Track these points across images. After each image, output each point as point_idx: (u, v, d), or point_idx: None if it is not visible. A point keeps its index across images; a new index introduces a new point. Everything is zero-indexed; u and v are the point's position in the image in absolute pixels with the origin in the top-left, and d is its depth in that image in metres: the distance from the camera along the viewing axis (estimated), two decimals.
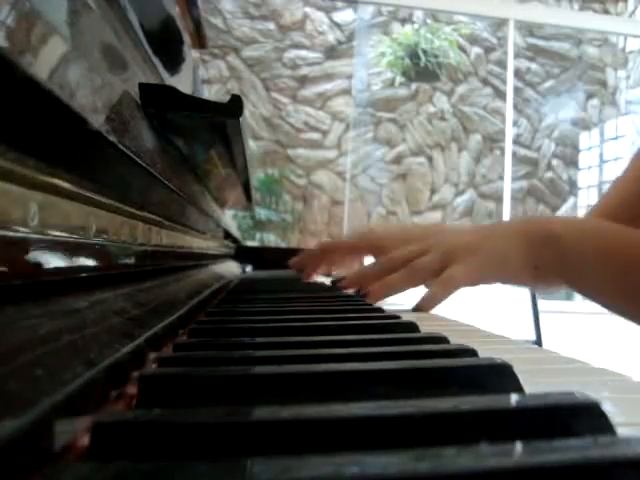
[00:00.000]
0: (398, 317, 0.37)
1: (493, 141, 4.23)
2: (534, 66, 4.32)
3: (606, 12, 4.37)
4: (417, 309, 0.46)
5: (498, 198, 4.14)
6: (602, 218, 0.71)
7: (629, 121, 4.23)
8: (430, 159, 4.18)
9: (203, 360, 0.23)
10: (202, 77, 3.62)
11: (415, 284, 0.48)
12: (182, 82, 0.68)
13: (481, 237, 0.49)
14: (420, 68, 4.06)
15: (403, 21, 4.20)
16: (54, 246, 0.21)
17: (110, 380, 0.18)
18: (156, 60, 0.50)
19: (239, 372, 0.19)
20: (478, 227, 0.54)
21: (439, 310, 0.50)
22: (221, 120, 0.43)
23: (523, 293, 1.81)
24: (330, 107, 4.07)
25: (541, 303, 2.15)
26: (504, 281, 0.51)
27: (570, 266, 0.47)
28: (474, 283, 0.48)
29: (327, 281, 0.88)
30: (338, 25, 4.12)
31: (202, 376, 0.19)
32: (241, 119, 0.43)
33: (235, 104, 0.41)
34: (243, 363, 0.23)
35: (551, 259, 0.47)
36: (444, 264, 0.47)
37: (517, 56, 4.21)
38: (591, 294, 0.50)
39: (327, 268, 0.77)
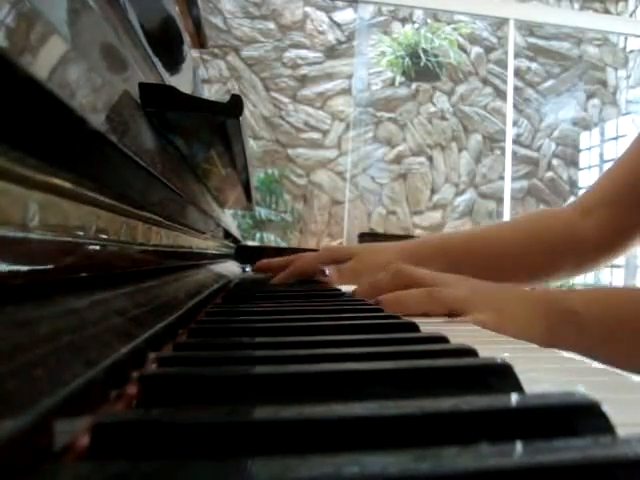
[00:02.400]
0: (398, 317, 0.37)
1: (493, 141, 4.23)
2: (534, 66, 4.32)
3: (606, 12, 4.37)
4: None
5: (498, 198, 4.14)
6: (579, 213, 0.72)
7: (629, 121, 4.23)
8: (430, 159, 4.18)
9: (203, 360, 0.23)
10: (202, 77, 3.62)
11: (429, 311, 0.46)
12: (182, 82, 0.68)
13: (503, 295, 0.49)
14: (420, 68, 4.06)
15: (403, 21, 4.20)
16: (54, 246, 0.21)
17: (110, 380, 0.18)
18: (156, 60, 0.50)
19: (239, 372, 0.19)
20: (497, 284, 0.53)
21: None
22: (221, 120, 0.43)
23: None
24: (330, 107, 4.07)
25: None
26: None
27: (591, 339, 0.47)
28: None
29: None
30: (338, 25, 4.12)
31: (202, 376, 0.19)
32: (241, 119, 0.43)
33: (235, 104, 0.41)
34: (243, 363, 0.23)
35: (569, 333, 0.47)
36: (464, 304, 0.46)
37: (517, 56, 4.21)
38: (615, 361, 0.50)
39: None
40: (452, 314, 0.46)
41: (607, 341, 0.47)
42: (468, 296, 0.47)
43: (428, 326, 0.33)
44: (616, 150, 4.19)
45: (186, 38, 0.81)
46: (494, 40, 4.26)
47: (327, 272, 0.70)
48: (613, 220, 0.70)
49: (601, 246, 0.72)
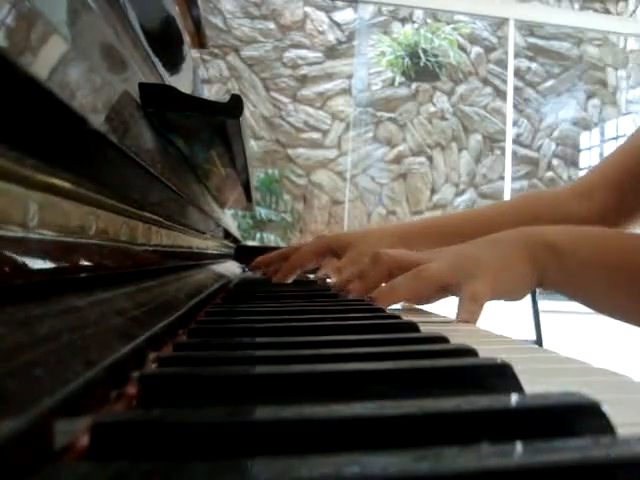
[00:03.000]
0: (398, 317, 0.37)
1: (493, 141, 4.23)
2: (534, 66, 4.32)
3: (607, 12, 4.37)
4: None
5: (498, 198, 4.14)
6: (577, 194, 0.72)
7: (629, 121, 4.23)
8: (430, 159, 4.18)
9: (203, 360, 0.23)
10: (202, 77, 3.62)
11: (422, 292, 0.47)
12: (182, 82, 0.68)
13: (486, 253, 0.48)
14: (420, 68, 4.06)
15: (403, 21, 4.19)
16: (54, 246, 0.21)
17: (110, 380, 0.18)
18: (156, 60, 0.50)
19: (239, 372, 0.19)
20: (474, 241, 0.52)
21: (440, 309, 0.50)
22: (221, 120, 0.43)
23: None
24: (330, 107, 4.07)
25: (541, 303, 2.15)
26: (512, 297, 0.50)
27: (569, 273, 0.48)
28: (495, 298, 0.47)
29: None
30: (338, 25, 4.12)
31: (202, 376, 0.19)
32: (241, 119, 0.43)
33: (235, 104, 0.41)
34: (243, 363, 0.22)
35: (553, 270, 0.48)
36: (454, 276, 0.46)
37: (517, 56, 4.21)
38: (590, 301, 0.50)
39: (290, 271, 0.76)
40: (445, 290, 0.46)
41: (585, 269, 0.48)
42: (455, 267, 0.46)
43: (429, 326, 0.33)
44: None
45: (186, 38, 0.81)
46: (494, 40, 4.26)
47: (328, 280, 0.70)
48: (614, 202, 0.70)
49: (601, 224, 0.72)
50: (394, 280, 0.47)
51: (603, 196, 0.71)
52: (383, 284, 0.51)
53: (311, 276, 0.90)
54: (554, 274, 0.48)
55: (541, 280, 0.48)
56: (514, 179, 4.13)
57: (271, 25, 4.04)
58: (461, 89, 4.22)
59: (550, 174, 4.32)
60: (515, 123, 4.20)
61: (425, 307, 0.53)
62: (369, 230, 0.76)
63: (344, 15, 4.13)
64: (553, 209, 0.73)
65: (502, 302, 0.49)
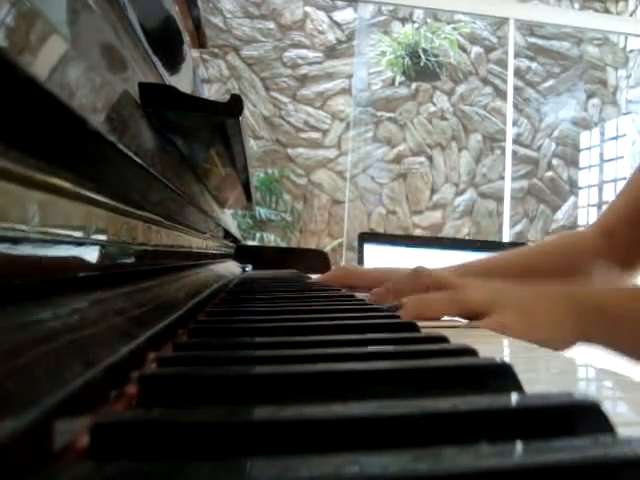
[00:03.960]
0: (398, 317, 0.37)
1: (493, 140, 4.23)
2: (534, 65, 4.32)
3: (607, 11, 4.37)
4: None
5: (498, 198, 4.14)
6: (603, 234, 0.72)
7: (629, 120, 4.23)
8: (430, 159, 4.18)
9: (203, 360, 0.23)
10: (202, 76, 3.62)
11: (451, 314, 0.45)
12: (182, 82, 0.68)
13: (525, 293, 0.47)
14: (420, 67, 4.06)
15: (403, 20, 4.19)
16: (54, 246, 0.21)
17: (110, 380, 0.18)
18: (156, 60, 0.50)
19: (239, 372, 0.19)
20: (520, 287, 0.50)
21: None
22: (221, 120, 0.43)
23: None
24: (330, 106, 4.07)
25: None
26: (547, 345, 0.49)
27: (623, 336, 0.47)
28: (520, 337, 0.46)
29: None
30: (338, 24, 4.12)
31: (202, 376, 0.19)
32: (241, 118, 0.43)
33: (235, 103, 0.41)
34: (243, 363, 0.22)
35: (599, 326, 0.46)
36: (487, 306, 0.44)
37: (517, 55, 4.21)
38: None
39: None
40: (473, 317, 0.44)
41: (633, 331, 0.46)
42: (489, 298, 0.45)
43: (428, 328, 0.33)
44: (616, 150, 4.19)
45: (186, 38, 0.81)
46: (494, 40, 4.26)
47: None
48: (636, 237, 0.70)
49: (628, 265, 0.72)
50: (426, 295, 0.46)
51: (625, 232, 0.71)
52: None
53: (313, 276, 0.90)
54: (601, 332, 0.46)
55: (585, 336, 0.46)
56: (514, 179, 4.13)
57: (271, 25, 4.04)
58: (461, 89, 4.22)
59: (550, 174, 4.32)
60: (515, 123, 4.20)
61: None
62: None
63: (344, 15, 4.13)
64: (583, 250, 0.73)
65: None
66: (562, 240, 0.84)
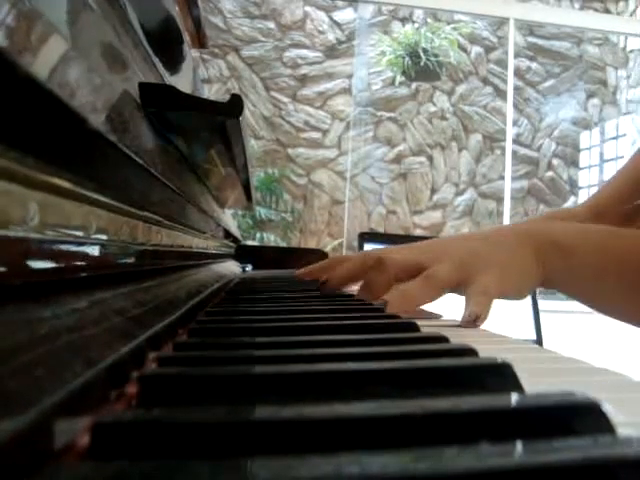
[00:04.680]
0: (398, 317, 0.37)
1: (493, 140, 4.23)
2: (534, 65, 4.32)
3: (607, 11, 4.37)
4: (468, 327, 0.42)
5: (498, 198, 4.14)
6: (593, 213, 0.72)
7: (629, 120, 4.23)
8: (430, 158, 4.18)
9: (203, 360, 0.23)
10: (202, 76, 3.62)
11: (434, 297, 0.46)
12: (182, 81, 0.68)
13: (491, 248, 0.48)
14: (420, 67, 4.06)
15: (403, 20, 4.20)
16: (54, 246, 0.21)
17: (110, 380, 0.18)
18: (156, 60, 0.50)
19: (239, 372, 0.19)
20: (478, 236, 0.52)
21: (439, 309, 0.50)
22: (221, 119, 0.43)
23: None
24: (330, 106, 4.07)
25: (541, 303, 2.15)
26: (518, 295, 0.49)
27: (574, 273, 0.48)
28: (500, 296, 0.46)
29: None
30: (338, 24, 4.12)
31: (202, 376, 0.19)
32: (241, 118, 0.43)
33: (235, 103, 0.41)
34: (243, 363, 0.22)
35: (558, 269, 0.47)
36: (462, 275, 0.45)
37: (517, 55, 4.21)
38: (593, 301, 0.50)
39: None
40: (453, 289, 0.46)
41: (590, 268, 0.48)
42: (462, 266, 0.46)
43: (429, 328, 0.33)
44: (616, 150, 4.19)
45: (186, 38, 0.81)
46: (494, 40, 4.26)
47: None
48: (627, 217, 0.70)
49: None
50: (405, 287, 0.46)
51: (616, 212, 0.70)
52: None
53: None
54: (559, 273, 0.48)
55: (545, 279, 0.48)
56: (514, 179, 4.13)
57: (271, 25, 4.04)
58: (461, 89, 4.22)
59: (550, 174, 4.32)
60: (515, 123, 4.20)
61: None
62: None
63: (344, 15, 4.13)
64: None
65: (503, 302, 0.48)
66: (551, 216, 0.83)
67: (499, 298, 0.46)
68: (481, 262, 0.46)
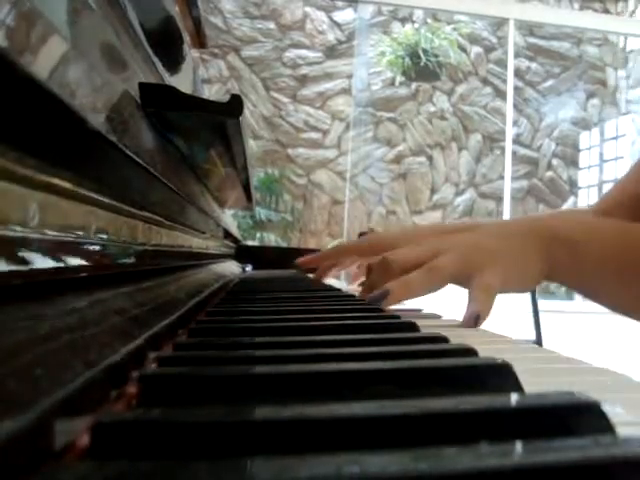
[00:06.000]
0: (398, 317, 0.37)
1: (493, 140, 4.23)
2: (534, 65, 4.32)
3: (606, 11, 4.37)
4: (469, 325, 0.42)
5: (498, 198, 4.14)
6: (621, 198, 0.72)
7: (629, 120, 4.23)
8: (430, 159, 4.18)
9: (203, 360, 0.23)
10: (202, 77, 3.62)
11: (436, 287, 0.46)
12: (182, 82, 0.68)
13: (496, 242, 0.48)
14: (420, 67, 4.06)
15: (403, 20, 4.20)
16: (54, 246, 0.21)
17: (110, 380, 0.18)
18: (156, 60, 0.50)
19: (239, 372, 0.19)
20: (483, 229, 0.52)
21: (437, 309, 0.50)
22: (221, 120, 0.43)
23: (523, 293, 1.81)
24: (330, 106, 4.07)
25: (541, 303, 2.15)
26: (522, 289, 0.50)
27: (580, 268, 0.48)
28: (503, 290, 0.46)
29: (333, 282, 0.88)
30: (338, 24, 4.12)
31: (202, 376, 0.19)
32: (241, 118, 0.43)
33: (235, 103, 0.41)
34: (243, 363, 0.22)
35: (564, 264, 0.48)
36: (465, 268, 0.46)
37: (517, 55, 4.21)
38: (597, 295, 0.50)
39: (336, 270, 0.77)
40: (455, 282, 0.46)
41: (595, 264, 0.48)
42: (465, 259, 0.46)
43: (428, 328, 0.33)
44: (616, 150, 4.20)
45: (186, 38, 0.81)
46: (494, 40, 4.26)
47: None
48: (633, 220, 0.70)
49: None
50: (407, 277, 0.46)
51: (622, 216, 0.70)
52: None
53: (310, 275, 0.90)
54: (563, 267, 0.48)
55: (550, 273, 0.48)
56: (514, 179, 4.13)
57: (271, 25, 4.04)
58: (461, 89, 4.22)
59: (550, 174, 4.32)
60: (515, 123, 4.20)
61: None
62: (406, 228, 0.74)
63: (344, 15, 4.13)
64: None
65: (503, 302, 0.48)
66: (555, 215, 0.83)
67: (502, 292, 0.46)
68: (485, 256, 0.46)
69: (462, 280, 0.46)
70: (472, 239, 0.50)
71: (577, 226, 0.50)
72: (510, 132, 4.10)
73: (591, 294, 0.51)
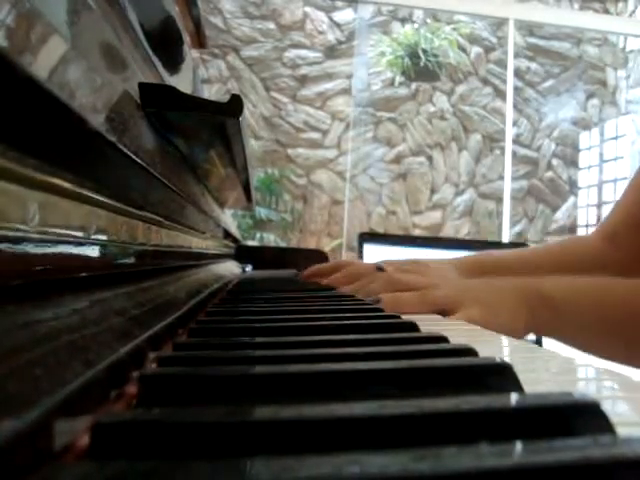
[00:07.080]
0: (398, 317, 0.37)
1: (493, 141, 4.23)
2: (534, 66, 4.32)
3: (606, 12, 4.37)
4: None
5: (498, 198, 4.14)
6: (624, 219, 0.73)
7: (629, 120, 4.23)
8: (430, 159, 4.18)
9: (203, 360, 0.23)
10: (202, 77, 3.62)
11: (423, 310, 0.51)
12: (182, 82, 0.68)
13: (485, 289, 0.54)
14: (420, 68, 4.06)
15: (403, 20, 4.19)
16: (54, 246, 0.21)
17: (110, 380, 0.18)
18: (156, 60, 0.50)
19: (239, 372, 0.19)
20: (479, 281, 0.59)
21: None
22: (221, 120, 0.43)
23: None
24: (330, 107, 4.07)
25: None
26: (504, 333, 0.53)
27: (566, 325, 0.53)
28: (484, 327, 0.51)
29: None
30: (338, 25, 4.12)
31: (202, 376, 0.19)
32: (241, 119, 0.43)
33: (235, 103, 0.41)
34: (243, 363, 0.22)
35: (546, 318, 0.52)
36: (453, 302, 0.51)
37: (517, 56, 4.21)
38: (587, 348, 0.55)
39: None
40: (443, 313, 0.50)
41: (578, 324, 0.53)
42: (456, 295, 0.52)
43: (428, 327, 0.33)
44: (616, 150, 4.20)
45: (186, 38, 0.81)
46: (494, 40, 4.26)
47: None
48: (635, 242, 0.71)
49: (629, 268, 0.72)
50: (402, 295, 0.52)
51: (627, 238, 0.71)
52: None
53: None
54: (547, 321, 0.53)
55: (534, 325, 0.53)
56: (514, 179, 4.13)
57: (271, 25, 4.04)
58: (461, 89, 4.22)
59: (550, 174, 4.32)
60: (515, 123, 4.20)
61: None
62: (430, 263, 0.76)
63: (344, 15, 4.13)
64: (583, 255, 0.75)
65: None
66: (564, 246, 0.85)
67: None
68: (473, 296, 0.52)
69: (447, 311, 0.50)
70: (466, 283, 0.57)
71: (561, 285, 0.54)
72: (510, 132, 4.10)
73: (581, 348, 0.55)
